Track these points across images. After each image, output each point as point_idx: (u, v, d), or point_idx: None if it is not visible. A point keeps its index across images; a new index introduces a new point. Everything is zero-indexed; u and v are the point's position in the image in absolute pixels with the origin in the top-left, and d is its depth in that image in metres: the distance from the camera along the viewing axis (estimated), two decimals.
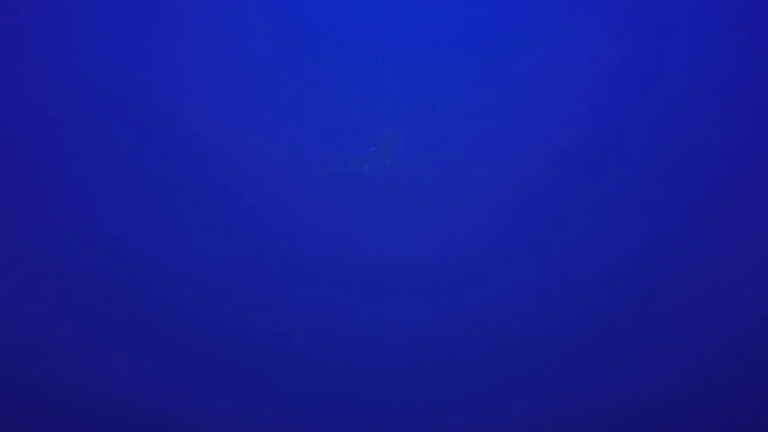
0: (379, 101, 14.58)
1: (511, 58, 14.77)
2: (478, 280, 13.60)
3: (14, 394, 12.37)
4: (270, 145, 14.35)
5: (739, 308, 13.21)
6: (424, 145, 14.46)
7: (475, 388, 12.81)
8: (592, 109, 14.43)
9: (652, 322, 13.21)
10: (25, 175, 14.05)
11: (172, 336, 13.07)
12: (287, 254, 13.87)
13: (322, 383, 12.97)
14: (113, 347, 12.89)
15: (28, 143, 14.18)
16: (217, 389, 12.71)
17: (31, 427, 12.06)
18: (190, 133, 14.40)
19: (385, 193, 14.22)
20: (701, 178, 14.11)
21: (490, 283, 13.57)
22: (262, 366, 13.07)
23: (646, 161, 14.22)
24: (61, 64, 14.54)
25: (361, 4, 15.04)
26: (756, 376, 12.59)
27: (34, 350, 12.79)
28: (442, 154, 14.42)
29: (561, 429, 12.46)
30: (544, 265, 13.68)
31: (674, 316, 13.26)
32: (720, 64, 14.44)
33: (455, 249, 13.86)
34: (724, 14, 14.58)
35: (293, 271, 13.74)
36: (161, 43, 14.60)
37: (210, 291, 13.52)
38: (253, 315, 13.42)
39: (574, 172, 14.26)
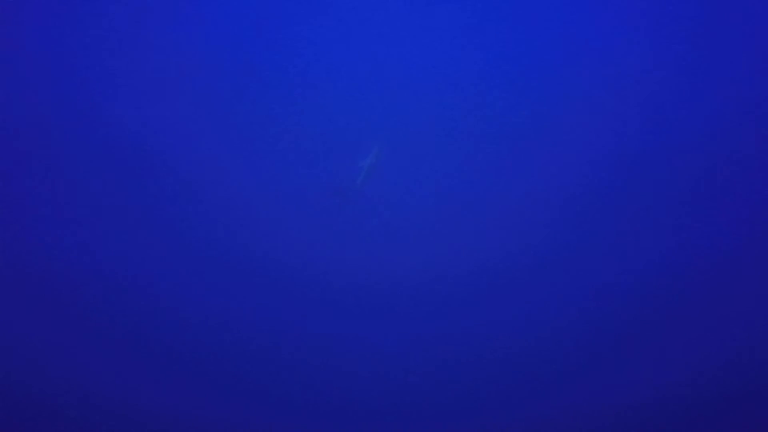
0: (368, 116, 14.47)
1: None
2: (476, 291, 13.60)
3: None
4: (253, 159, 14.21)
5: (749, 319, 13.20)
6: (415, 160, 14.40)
7: (483, 400, 12.80)
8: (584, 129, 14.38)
9: (657, 332, 13.22)
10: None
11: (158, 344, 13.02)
12: (278, 268, 13.78)
13: (314, 394, 12.96)
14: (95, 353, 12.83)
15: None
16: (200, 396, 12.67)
17: None
18: (182, 154, 14.21)
19: (378, 206, 14.14)
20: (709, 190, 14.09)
21: (490, 295, 13.56)
22: (259, 377, 13.05)
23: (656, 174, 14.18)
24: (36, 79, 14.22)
25: (352, 22, 14.87)
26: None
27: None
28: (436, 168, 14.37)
29: None
30: (547, 275, 13.68)
31: (680, 327, 13.24)
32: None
33: (458, 260, 13.83)
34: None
35: (281, 285, 13.70)
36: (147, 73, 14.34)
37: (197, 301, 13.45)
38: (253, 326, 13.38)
39: (573, 184, 14.23)
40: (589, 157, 14.25)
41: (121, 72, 14.18)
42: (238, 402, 12.88)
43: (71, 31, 14.10)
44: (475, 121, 14.53)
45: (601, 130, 14.29)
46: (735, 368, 12.81)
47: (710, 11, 14.17)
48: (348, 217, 13.86)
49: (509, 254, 13.88)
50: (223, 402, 12.85)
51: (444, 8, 14.44)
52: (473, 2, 14.62)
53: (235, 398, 12.92)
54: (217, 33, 14.45)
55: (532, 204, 14.15)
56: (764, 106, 14.04)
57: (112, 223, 13.73)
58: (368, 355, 13.29)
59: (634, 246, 13.78)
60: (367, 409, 12.87)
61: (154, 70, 14.20)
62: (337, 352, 13.32)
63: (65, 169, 13.89)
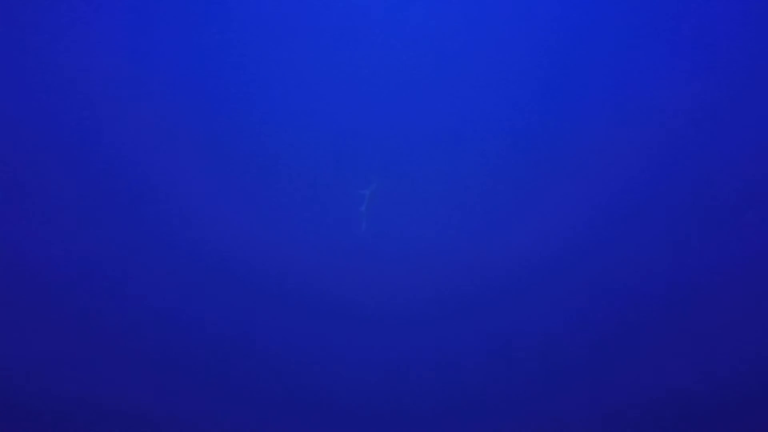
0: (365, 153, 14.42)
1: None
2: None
3: None
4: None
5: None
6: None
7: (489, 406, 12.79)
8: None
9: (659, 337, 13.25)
10: None
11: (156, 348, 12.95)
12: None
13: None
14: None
15: None
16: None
17: None
18: (176, 158, 14.08)
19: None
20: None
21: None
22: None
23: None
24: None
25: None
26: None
27: None
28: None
29: None
30: (547, 277, 13.69)
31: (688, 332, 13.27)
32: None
33: (459, 264, 13.82)
34: None
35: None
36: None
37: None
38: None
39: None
40: (591, 163, 14.28)
41: (112, 79, 14.09)
42: (237, 404, 12.81)
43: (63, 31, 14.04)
44: (477, 127, 14.54)
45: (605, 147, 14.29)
46: (738, 371, 12.85)
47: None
48: (348, 223, 13.83)
49: (509, 256, 13.88)
50: (223, 404, 12.78)
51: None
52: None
53: (234, 400, 12.85)
54: (216, 34, 14.39)
55: (533, 206, 14.17)
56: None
57: (111, 225, 13.65)
58: (369, 357, 13.26)
59: (639, 253, 13.80)
60: (369, 411, 12.84)
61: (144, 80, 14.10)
62: (337, 356, 13.27)
63: (50, 174, 13.78)
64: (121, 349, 13.06)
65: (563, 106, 14.30)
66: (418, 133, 14.37)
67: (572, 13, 14.21)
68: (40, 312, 13.10)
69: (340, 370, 13.34)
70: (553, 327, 13.47)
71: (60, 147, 13.64)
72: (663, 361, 13.13)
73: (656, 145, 14.19)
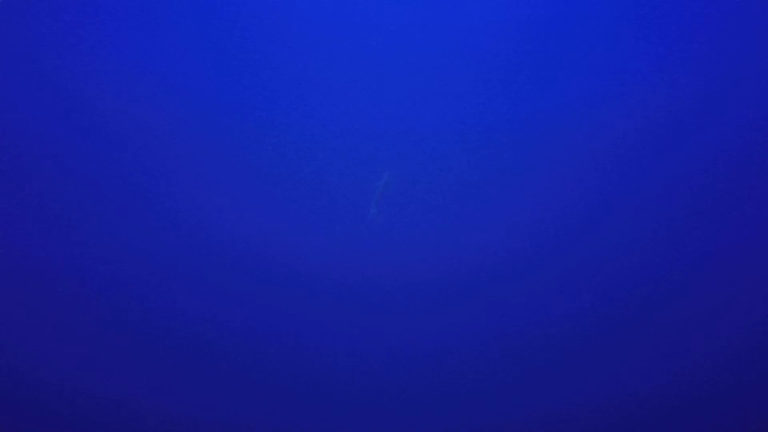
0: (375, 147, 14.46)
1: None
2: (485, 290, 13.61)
3: None
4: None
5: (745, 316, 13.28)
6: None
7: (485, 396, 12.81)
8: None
9: (655, 329, 13.29)
10: None
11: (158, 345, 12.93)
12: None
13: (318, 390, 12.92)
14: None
15: None
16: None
17: None
18: (177, 157, 14.09)
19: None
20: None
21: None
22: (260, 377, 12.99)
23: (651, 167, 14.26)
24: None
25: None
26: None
27: None
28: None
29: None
30: (547, 277, 13.73)
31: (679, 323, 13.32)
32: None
33: (458, 262, 13.84)
34: None
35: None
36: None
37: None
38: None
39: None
40: (589, 160, 14.32)
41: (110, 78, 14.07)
42: (237, 404, 12.78)
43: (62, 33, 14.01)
44: (478, 127, 14.57)
45: (603, 137, 14.35)
46: (736, 368, 12.89)
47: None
48: (352, 221, 13.86)
49: (509, 255, 13.91)
50: (222, 404, 12.75)
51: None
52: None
53: (234, 400, 12.83)
54: (215, 35, 14.39)
55: (534, 205, 14.20)
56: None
57: (110, 227, 13.62)
58: (369, 355, 13.25)
59: (636, 249, 13.85)
60: (370, 408, 12.84)
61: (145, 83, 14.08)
62: (338, 352, 13.26)
63: (50, 174, 13.75)
64: (122, 349, 13.03)
65: (563, 105, 14.38)
66: (418, 132, 14.42)
67: (568, 11, 14.29)
68: (40, 312, 13.06)
69: (344, 363, 13.35)
70: (553, 320, 13.51)
71: (61, 147, 13.62)
72: (658, 355, 13.17)
73: (652, 143, 14.26)
